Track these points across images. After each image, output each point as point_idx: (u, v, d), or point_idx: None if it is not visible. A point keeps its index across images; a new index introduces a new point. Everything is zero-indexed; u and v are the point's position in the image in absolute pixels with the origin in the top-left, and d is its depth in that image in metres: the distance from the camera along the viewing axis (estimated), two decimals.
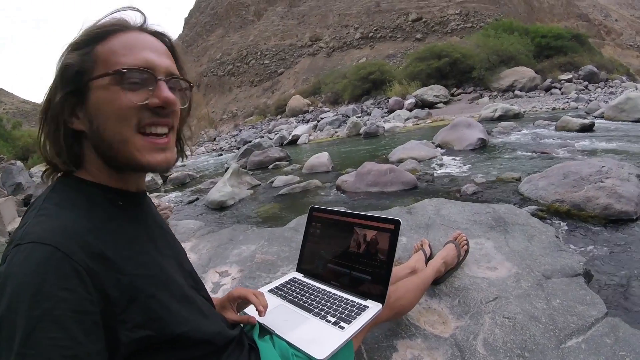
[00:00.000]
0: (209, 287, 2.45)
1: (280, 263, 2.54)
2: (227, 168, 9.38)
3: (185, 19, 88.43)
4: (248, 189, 7.90)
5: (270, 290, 1.46)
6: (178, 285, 0.77)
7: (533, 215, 2.76)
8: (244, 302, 1.14)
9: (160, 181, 17.28)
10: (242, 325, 1.13)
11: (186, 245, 3.47)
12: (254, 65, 60.01)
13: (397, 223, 1.32)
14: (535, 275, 1.85)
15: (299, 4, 63.49)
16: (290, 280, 1.52)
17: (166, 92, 0.72)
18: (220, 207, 7.12)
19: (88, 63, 0.70)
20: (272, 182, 7.83)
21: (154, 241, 0.79)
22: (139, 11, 0.77)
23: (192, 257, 3.12)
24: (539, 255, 2.01)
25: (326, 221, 1.55)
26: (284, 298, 1.38)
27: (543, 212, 3.44)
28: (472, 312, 1.66)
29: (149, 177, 16.29)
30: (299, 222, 3.25)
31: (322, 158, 8.38)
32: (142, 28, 0.77)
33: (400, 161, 7.14)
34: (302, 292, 1.40)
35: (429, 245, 2.07)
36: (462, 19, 47.33)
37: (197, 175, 15.23)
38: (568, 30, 32.79)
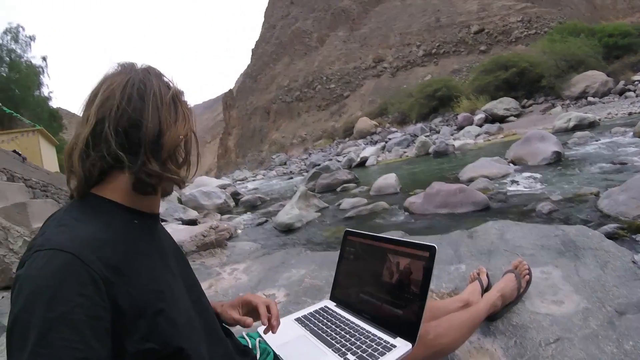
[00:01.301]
0: None
1: (327, 289, 2.41)
2: (296, 191, 9.55)
3: (252, 49, 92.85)
4: (315, 212, 7.87)
5: (298, 319, 1.37)
6: (184, 305, 0.80)
7: (613, 235, 2.42)
8: (253, 310, 1.08)
9: (232, 203, 18.13)
10: (256, 355, 1.10)
11: (240, 267, 3.49)
12: (321, 90, 61.34)
13: (432, 250, 1.12)
14: (606, 310, 1.55)
15: (360, 27, 64.34)
16: (320, 309, 1.41)
17: None
18: (287, 229, 7.17)
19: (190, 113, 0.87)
20: (340, 204, 7.72)
21: (165, 260, 0.82)
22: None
23: (243, 278, 3.12)
24: (612, 286, 1.70)
25: (360, 246, 1.42)
26: (308, 329, 1.28)
27: (624, 230, 3.02)
28: (528, 356, 1.42)
29: (221, 199, 17.11)
30: None
31: (389, 179, 8.20)
32: None
33: (471, 180, 6.80)
34: (329, 324, 1.28)
35: (487, 275, 1.84)
36: (525, 26, 45.34)
37: (268, 198, 15.67)
38: (635, 25, 29.64)
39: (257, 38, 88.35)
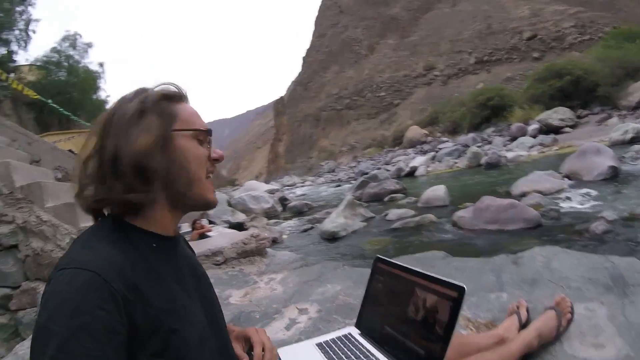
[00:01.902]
0: (284, 322, 2.37)
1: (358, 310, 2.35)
2: (343, 199, 9.53)
3: (303, 57, 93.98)
4: (361, 221, 7.79)
5: (319, 344, 1.32)
6: (199, 325, 0.83)
7: None
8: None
9: (280, 208, 18.36)
10: None
11: (277, 277, 3.47)
12: (371, 98, 60.98)
13: (461, 291, 1.03)
14: None
15: (410, 35, 63.40)
16: (344, 336, 1.36)
17: (220, 150, 0.92)
18: (332, 237, 7.13)
19: (170, 116, 0.85)
20: (386, 215, 7.64)
21: (181, 281, 0.85)
22: (179, 87, 0.93)
23: (278, 289, 3.09)
24: None
25: (389, 275, 1.34)
26: (328, 356, 1.23)
27: None
28: None
29: (268, 204, 17.38)
30: None
31: (438, 191, 8.00)
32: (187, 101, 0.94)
33: (522, 195, 6.53)
34: (349, 354, 1.22)
35: (527, 309, 1.70)
36: (579, 32, 43.01)
37: (315, 205, 15.71)
38: None
39: (307, 46, 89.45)
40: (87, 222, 4.43)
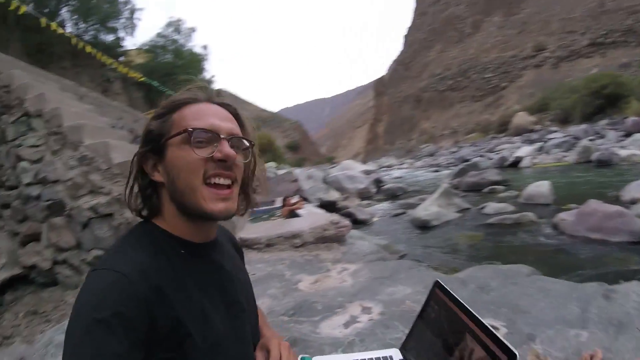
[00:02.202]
0: (344, 319, 2.29)
1: None
2: (439, 186, 9.21)
3: (405, 36, 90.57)
4: (455, 212, 7.50)
5: None
6: (213, 332, 0.83)
7: None
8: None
9: (374, 190, 18.27)
10: None
11: (350, 268, 3.40)
12: (476, 80, 57.07)
13: (512, 357, 0.84)
14: None
15: (517, 12, 57.43)
16: (384, 358, 1.22)
17: (227, 148, 0.83)
18: (423, 226, 6.91)
19: (166, 128, 0.85)
20: (483, 208, 7.25)
21: (205, 288, 0.86)
22: (208, 87, 0.94)
23: (348, 282, 3.02)
24: None
25: (444, 307, 1.16)
26: None
27: None
28: None
29: (363, 185, 17.37)
30: (472, 274, 2.78)
31: (542, 187, 7.35)
32: (210, 100, 0.92)
33: (633, 202, 5.74)
34: None
35: None
36: None
37: (409, 189, 15.34)
38: None
39: (409, 24, 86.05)
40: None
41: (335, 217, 4.43)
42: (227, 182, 0.86)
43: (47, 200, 3.70)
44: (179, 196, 0.83)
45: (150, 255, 0.79)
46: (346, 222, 4.40)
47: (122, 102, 25.59)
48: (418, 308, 2.22)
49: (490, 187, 9.90)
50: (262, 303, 2.71)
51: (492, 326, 1.90)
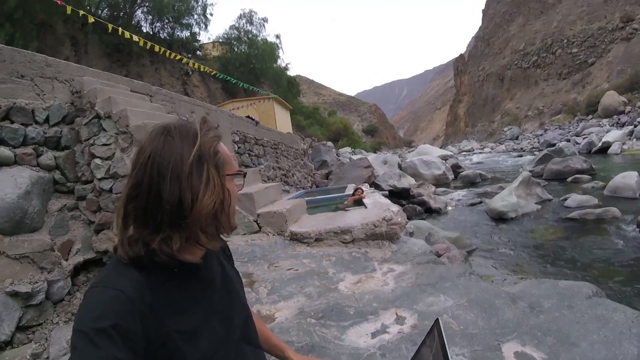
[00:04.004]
0: (374, 327, 2.22)
1: (458, 341, 2.00)
2: (520, 173, 8.70)
3: (483, 10, 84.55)
4: (535, 203, 7.11)
5: None
6: (204, 346, 0.87)
7: None
8: None
9: (451, 176, 17.59)
10: None
11: (397, 269, 3.29)
12: (561, 55, 51.89)
13: None
14: None
15: None
16: None
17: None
18: (499, 217, 6.63)
19: (223, 165, 0.90)
20: (565, 199, 6.81)
21: (197, 304, 0.90)
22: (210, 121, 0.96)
23: (390, 285, 2.92)
24: None
25: (440, 346, 1.07)
26: None
27: None
28: None
29: (440, 171, 16.75)
30: (526, 290, 2.55)
31: (629, 179, 6.65)
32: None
33: None
34: None
35: None
36: None
37: (489, 176, 14.59)
38: None
39: None
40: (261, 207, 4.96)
41: (388, 213, 4.28)
42: None
43: (118, 193, 4.01)
44: (224, 219, 0.89)
45: (145, 274, 0.83)
46: (399, 219, 4.24)
47: (202, 94, 27.05)
48: (453, 327, 2.10)
49: (574, 176, 9.24)
50: (296, 302, 2.71)
51: (532, 357, 1.72)
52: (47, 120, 4.20)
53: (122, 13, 22.76)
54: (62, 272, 3.66)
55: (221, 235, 0.93)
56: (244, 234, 4.59)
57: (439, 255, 4.67)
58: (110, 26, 9.50)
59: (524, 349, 1.84)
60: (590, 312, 2.13)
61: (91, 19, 9.25)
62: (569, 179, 9.14)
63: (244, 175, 0.98)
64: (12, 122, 3.87)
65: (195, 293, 0.92)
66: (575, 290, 2.43)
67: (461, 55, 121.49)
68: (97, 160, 4.11)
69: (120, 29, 9.49)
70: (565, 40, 52.67)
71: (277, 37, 34.92)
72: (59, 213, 4.05)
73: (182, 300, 0.88)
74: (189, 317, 0.87)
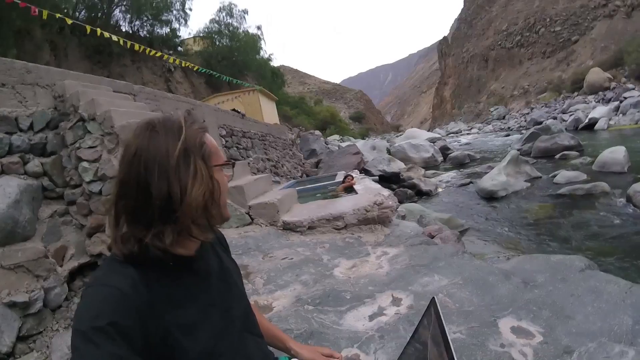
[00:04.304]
0: (371, 310, 2.26)
1: (454, 319, 2.04)
2: (508, 152, 8.80)
3: None
4: (525, 181, 7.20)
5: None
6: (202, 339, 0.88)
7: None
8: None
9: (440, 158, 17.71)
10: None
11: (390, 252, 3.33)
12: (544, 34, 52.19)
13: None
14: None
15: None
16: None
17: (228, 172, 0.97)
18: (489, 196, 6.71)
19: (210, 156, 0.90)
20: (554, 176, 6.91)
21: (195, 297, 0.91)
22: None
23: (384, 268, 2.96)
24: None
25: (434, 330, 1.09)
26: None
27: None
28: None
29: (428, 153, 16.81)
30: (519, 266, 2.60)
31: (617, 154, 6.77)
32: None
33: None
34: None
35: None
36: None
37: (478, 157, 14.70)
38: None
39: None
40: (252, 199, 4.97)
41: (379, 197, 4.31)
42: None
43: (108, 195, 3.99)
44: (215, 211, 0.89)
45: (140, 270, 0.82)
46: (390, 202, 4.27)
47: (186, 90, 26.76)
48: (449, 304, 2.14)
49: (562, 152, 9.39)
50: (292, 290, 2.74)
51: (528, 331, 1.76)
52: (31, 127, 4.15)
53: (100, 14, 22.36)
54: (58, 279, 3.64)
55: (214, 227, 0.92)
56: (237, 227, 4.60)
57: (432, 237, 4.73)
58: (88, 27, 9.34)
59: (520, 324, 1.88)
60: (584, 284, 2.17)
61: (69, 22, 9.10)
62: (557, 156, 9.27)
63: (233, 165, 0.98)
64: None
65: (192, 286, 0.92)
66: (567, 263, 2.48)
67: (445, 38, 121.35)
68: (85, 164, 4.07)
69: (98, 29, 9.33)
70: (548, 19, 52.94)
71: (259, 28, 34.99)
72: (51, 219, 4.02)
73: (179, 294, 0.88)
74: (187, 311, 0.87)
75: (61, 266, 3.83)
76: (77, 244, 4.08)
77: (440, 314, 1.03)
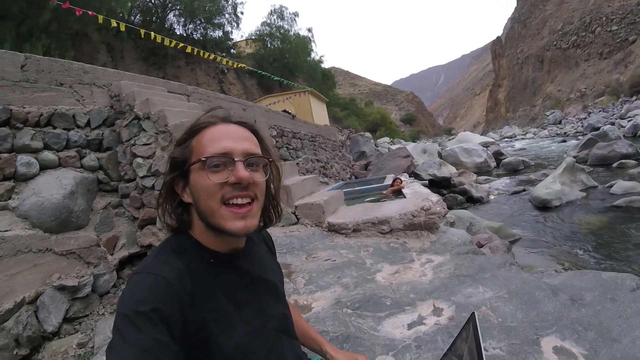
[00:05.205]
0: (410, 319, 2.17)
1: (495, 334, 1.91)
2: (564, 159, 8.40)
3: None
4: (580, 190, 6.85)
5: None
6: (237, 335, 0.89)
7: None
8: None
9: (493, 164, 17.06)
10: None
11: (436, 259, 3.21)
12: (601, 34, 49.06)
13: None
14: None
15: None
16: None
17: (241, 171, 0.87)
18: (543, 205, 6.49)
19: (187, 154, 0.92)
20: (611, 186, 6.50)
21: (232, 294, 0.93)
22: (223, 108, 0.99)
23: (428, 276, 2.85)
24: None
25: (474, 340, 1.03)
26: None
27: None
28: None
29: (481, 158, 16.25)
30: (567, 282, 2.41)
31: None
32: (226, 120, 0.95)
33: None
34: None
35: None
36: None
37: (532, 163, 14.09)
38: None
39: None
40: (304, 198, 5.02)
41: (427, 202, 4.18)
42: (245, 200, 0.90)
43: (160, 189, 4.16)
44: (203, 216, 0.90)
45: (184, 263, 0.88)
46: (438, 208, 4.13)
47: (238, 91, 27.49)
48: (491, 319, 2.03)
49: (620, 161, 8.83)
50: (333, 292, 2.71)
51: (571, 352, 1.63)
52: (88, 123, 4.40)
53: (154, 17, 23.45)
54: (108, 266, 3.84)
55: (228, 231, 0.89)
56: (282, 226, 4.63)
57: (481, 246, 4.54)
58: (142, 31, 9.77)
59: (563, 344, 1.75)
60: (634, 305, 1.99)
61: (123, 27, 9.55)
62: (615, 165, 8.75)
63: (233, 162, 0.89)
64: (55, 128, 4.07)
65: (231, 283, 0.95)
66: (618, 282, 2.27)
67: (498, 38, 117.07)
68: (139, 159, 4.26)
69: (152, 33, 9.75)
70: (604, 18, 49.90)
71: (309, 30, 35.51)
72: (104, 211, 4.23)
73: (218, 290, 0.91)
74: (224, 307, 0.90)
75: (112, 255, 4.03)
76: (128, 235, 4.27)
77: (479, 329, 0.97)
